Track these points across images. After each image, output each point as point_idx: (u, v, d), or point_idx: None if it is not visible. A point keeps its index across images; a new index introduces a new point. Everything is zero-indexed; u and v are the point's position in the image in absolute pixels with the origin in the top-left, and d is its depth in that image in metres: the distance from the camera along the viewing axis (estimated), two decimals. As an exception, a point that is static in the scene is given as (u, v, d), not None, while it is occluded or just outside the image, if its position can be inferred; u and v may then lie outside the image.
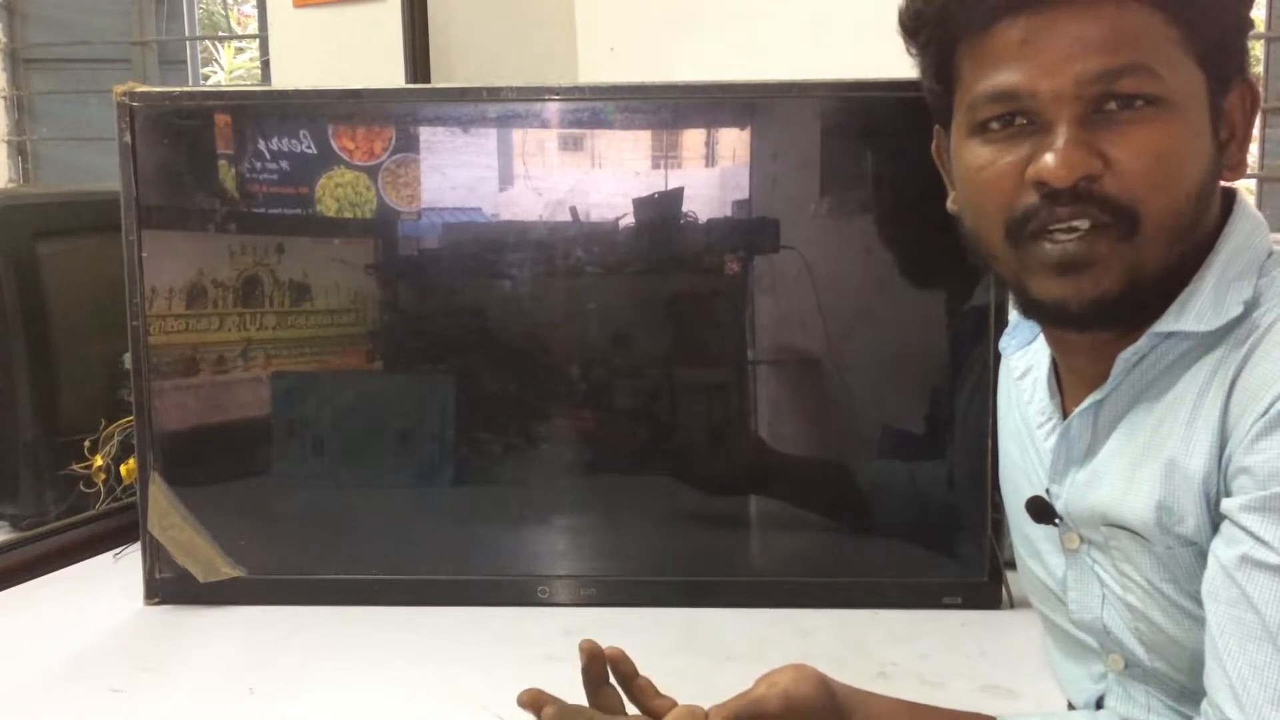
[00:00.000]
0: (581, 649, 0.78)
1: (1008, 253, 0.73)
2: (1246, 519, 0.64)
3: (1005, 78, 0.70)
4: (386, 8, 1.85)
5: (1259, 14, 1.99)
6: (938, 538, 1.22)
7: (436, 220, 1.23)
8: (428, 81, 1.83)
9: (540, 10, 2.02)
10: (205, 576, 1.23)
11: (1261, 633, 0.62)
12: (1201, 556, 0.68)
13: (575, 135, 1.22)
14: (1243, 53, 0.73)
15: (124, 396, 1.30)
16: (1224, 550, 0.65)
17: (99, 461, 1.39)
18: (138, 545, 1.25)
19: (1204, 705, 0.66)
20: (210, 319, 1.23)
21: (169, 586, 1.24)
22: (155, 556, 1.24)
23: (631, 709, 0.79)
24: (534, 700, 0.76)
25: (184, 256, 1.22)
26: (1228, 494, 0.67)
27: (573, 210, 1.21)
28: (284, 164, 1.22)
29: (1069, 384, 0.82)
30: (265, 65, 2.39)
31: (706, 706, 0.76)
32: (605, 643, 0.79)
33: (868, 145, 1.20)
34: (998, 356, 0.94)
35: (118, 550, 1.38)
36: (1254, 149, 1.89)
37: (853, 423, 1.25)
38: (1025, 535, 0.87)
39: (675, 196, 1.21)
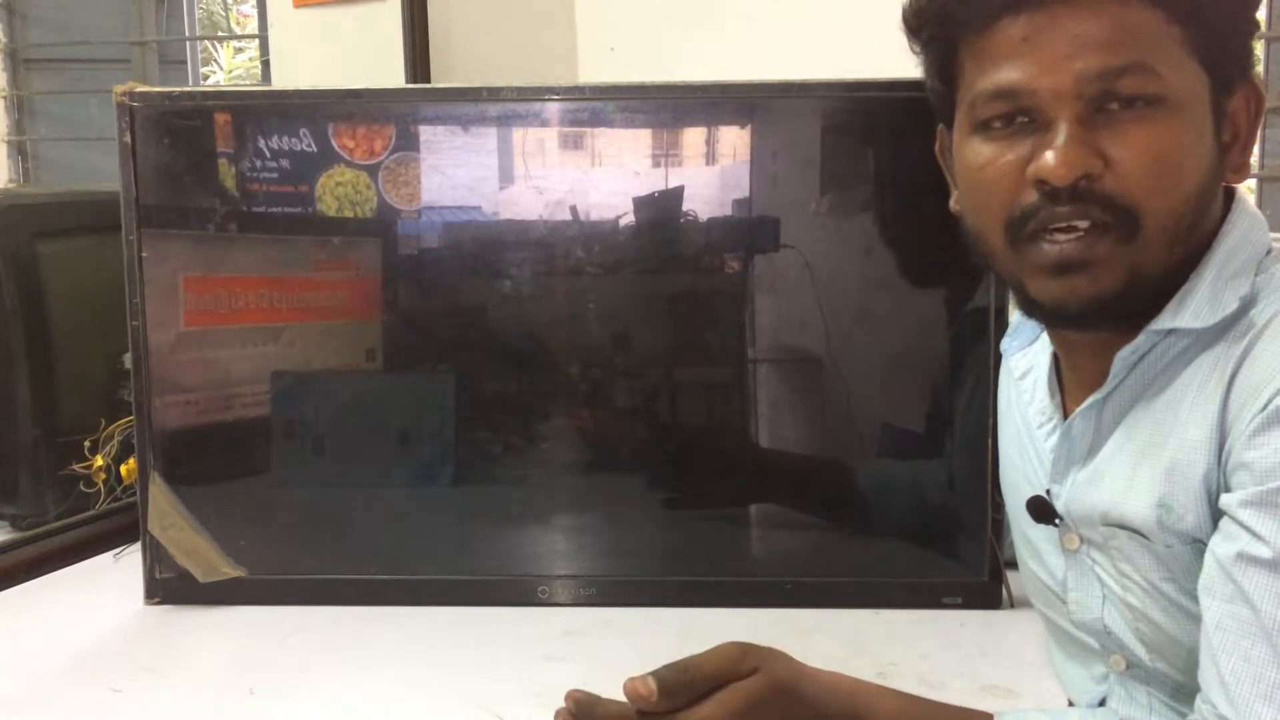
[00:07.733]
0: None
1: (1007, 252, 0.73)
2: (1244, 514, 0.64)
3: (1006, 76, 0.70)
4: (386, 8, 1.85)
5: (1259, 14, 1.99)
6: (938, 538, 1.22)
7: (436, 219, 1.23)
8: (428, 81, 1.83)
9: (540, 10, 2.02)
10: (205, 576, 1.23)
11: (1256, 628, 0.62)
12: (1202, 554, 0.68)
13: (575, 135, 1.21)
14: (1247, 54, 0.73)
15: (124, 396, 1.30)
16: (1221, 546, 0.65)
17: (99, 461, 1.39)
18: (138, 545, 1.25)
19: (1197, 701, 0.66)
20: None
21: (169, 586, 1.24)
22: (155, 556, 1.23)
23: None
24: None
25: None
26: (1227, 489, 0.67)
27: (573, 210, 1.21)
28: (284, 163, 1.21)
29: (1071, 384, 0.82)
30: (265, 65, 2.39)
31: None
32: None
33: (868, 145, 1.20)
34: (998, 357, 0.95)
35: (118, 550, 1.38)
36: (1254, 149, 1.88)
37: (853, 422, 1.25)
38: (1026, 536, 0.87)
39: (675, 196, 1.21)
